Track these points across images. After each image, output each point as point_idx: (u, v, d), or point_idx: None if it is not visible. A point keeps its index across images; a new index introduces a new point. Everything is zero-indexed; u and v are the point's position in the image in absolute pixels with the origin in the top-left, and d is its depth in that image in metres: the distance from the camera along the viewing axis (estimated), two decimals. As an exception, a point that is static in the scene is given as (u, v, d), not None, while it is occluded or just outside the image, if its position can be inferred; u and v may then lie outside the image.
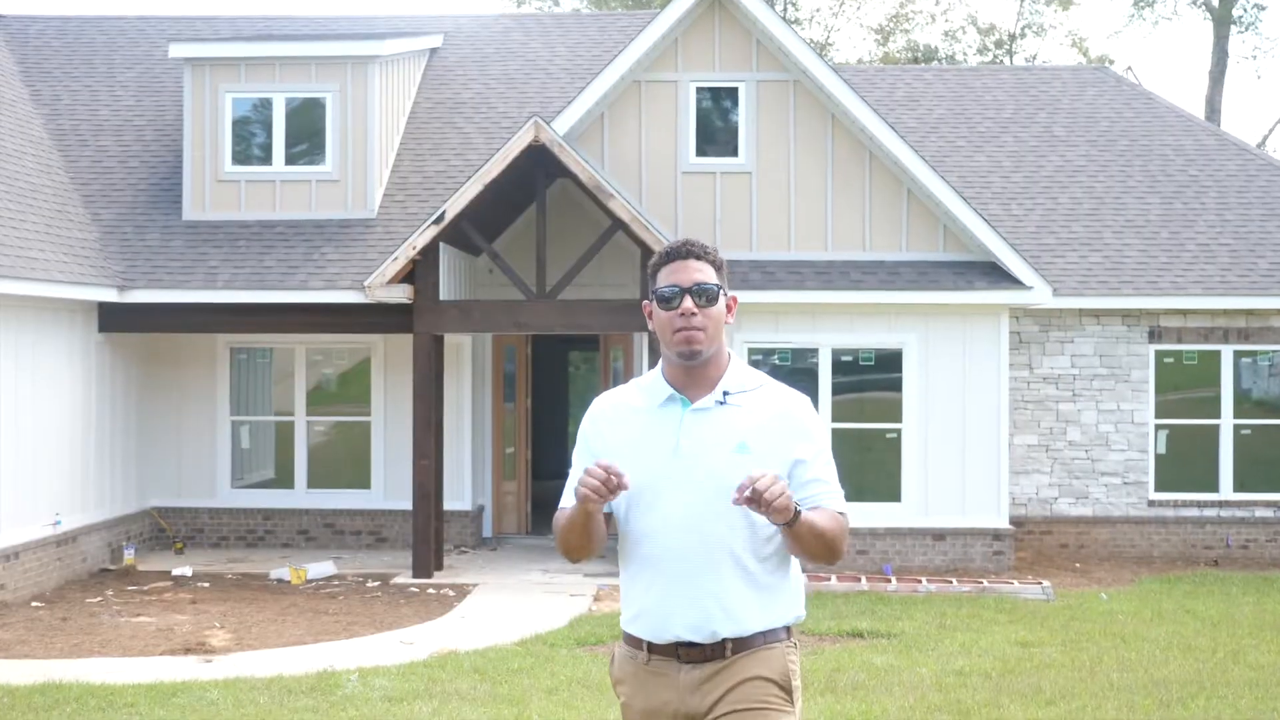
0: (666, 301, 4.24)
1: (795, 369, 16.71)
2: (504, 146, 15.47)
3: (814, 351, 16.66)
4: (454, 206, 15.36)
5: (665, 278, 4.26)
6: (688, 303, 4.19)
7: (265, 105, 17.72)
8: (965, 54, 44.91)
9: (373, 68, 17.71)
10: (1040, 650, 11.87)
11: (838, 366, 16.65)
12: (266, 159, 17.72)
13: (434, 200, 17.61)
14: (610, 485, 4.00)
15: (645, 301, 4.33)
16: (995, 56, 44.54)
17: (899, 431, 16.54)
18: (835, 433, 16.50)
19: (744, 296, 16.14)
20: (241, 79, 17.71)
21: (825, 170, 16.81)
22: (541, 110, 18.31)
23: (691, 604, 4.19)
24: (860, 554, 16.46)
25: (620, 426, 4.33)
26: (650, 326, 4.33)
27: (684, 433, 4.22)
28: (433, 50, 20.96)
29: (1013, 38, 44.94)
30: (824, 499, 4.24)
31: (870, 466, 16.67)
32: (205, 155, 17.66)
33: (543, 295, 15.79)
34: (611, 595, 14.85)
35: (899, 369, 16.59)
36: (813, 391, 16.56)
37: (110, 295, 16.08)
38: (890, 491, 16.57)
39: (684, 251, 4.27)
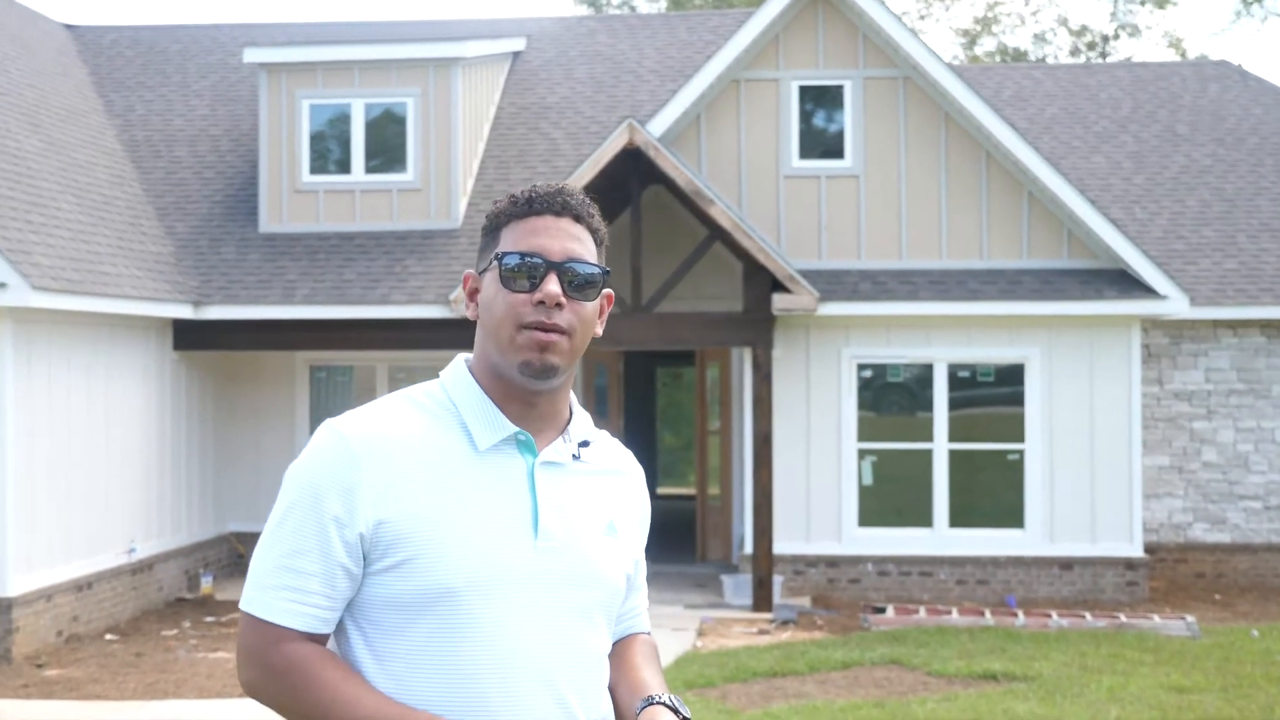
0: (515, 277, 2.60)
1: (908, 386, 15.68)
2: (596, 151, 14.56)
3: (928, 367, 15.61)
4: (545, 215, 14.43)
5: (519, 239, 2.63)
6: (553, 285, 2.58)
7: (344, 111, 16.91)
8: (1056, 56, 43.69)
9: (456, 70, 16.85)
10: (1199, 697, 10.76)
11: (954, 382, 15.59)
12: (345, 168, 16.90)
13: (522, 209, 16.71)
14: None
15: (469, 272, 2.73)
16: (1088, 59, 43.27)
17: (1021, 452, 15.44)
18: (952, 454, 15.45)
19: (853, 308, 15.15)
20: (319, 84, 16.91)
21: (938, 172, 15.76)
22: (631, 114, 17.37)
23: None
24: (980, 584, 15.38)
25: (411, 477, 2.55)
26: (470, 311, 2.71)
27: (543, 501, 2.61)
28: (516, 54, 20.10)
29: (1106, 39, 43.65)
30: (642, 617, 2.92)
31: (989, 490, 15.60)
32: (282, 165, 16.87)
33: (638, 309, 14.86)
34: (716, 630, 13.87)
35: (1020, 384, 15.50)
36: (927, 409, 15.54)
37: (185, 311, 15.31)
38: (1012, 517, 15.47)
39: (558, 203, 2.66)
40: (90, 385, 13.90)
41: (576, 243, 2.64)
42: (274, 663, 2.51)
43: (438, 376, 2.72)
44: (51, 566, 13.14)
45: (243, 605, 2.58)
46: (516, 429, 2.61)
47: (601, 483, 2.73)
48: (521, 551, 2.56)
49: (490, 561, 2.52)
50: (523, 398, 2.63)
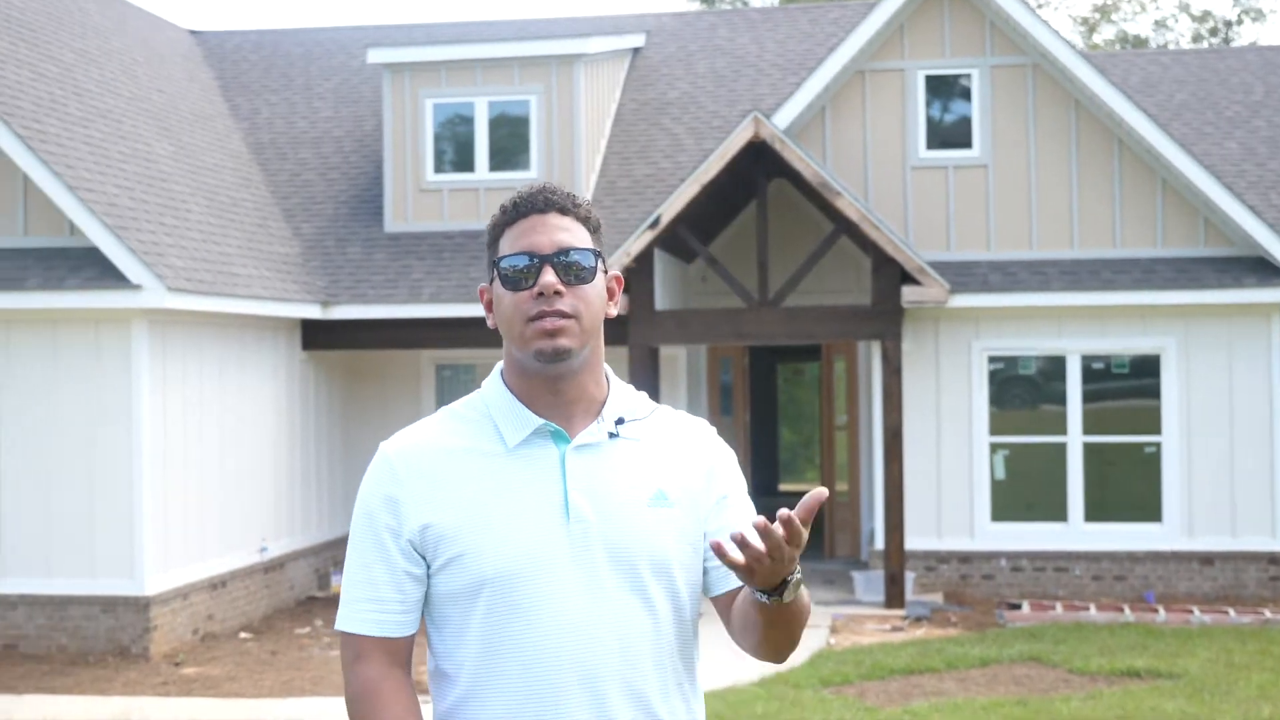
0: (516, 277, 2.74)
1: (1039, 378, 15.40)
2: (722, 145, 14.45)
3: (1060, 359, 15.31)
4: (669, 210, 14.37)
5: (513, 242, 2.76)
6: (549, 276, 2.71)
7: (467, 110, 16.94)
8: (1178, 42, 42.90)
9: (578, 67, 16.83)
10: (1356, 694, 10.44)
11: (1087, 374, 15.28)
12: (469, 166, 16.94)
13: (643, 205, 16.67)
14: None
15: (482, 285, 2.86)
16: (1211, 45, 42.42)
17: (1157, 445, 15.10)
18: (1086, 447, 15.16)
19: (983, 300, 14.91)
20: (442, 83, 16.96)
21: (1068, 160, 15.46)
22: (754, 108, 17.23)
23: None
24: (1118, 580, 15.07)
25: (447, 481, 2.74)
26: (490, 321, 2.87)
27: (572, 484, 2.74)
28: (635, 50, 20.04)
29: (1229, 24, 42.77)
30: None
31: (1125, 483, 15.27)
32: (406, 164, 16.95)
33: (765, 303, 14.71)
34: (849, 627, 13.71)
35: (1155, 376, 15.16)
36: (1060, 402, 15.25)
37: (314, 311, 15.42)
38: (1149, 511, 15.13)
39: (541, 201, 2.78)
40: (222, 385, 14.04)
41: (565, 233, 2.76)
42: (350, 683, 2.76)
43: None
44: (187, 565, 13.29)
45: (337, 625, 2.82)
46: (543, 421, 2.76)
47: (649, 455, 2.81)
48: (556, 535, 2.70)
49: (525, 549, 2.69)
50: (549, 386, 2.77)
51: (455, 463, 2.77)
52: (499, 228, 2.82)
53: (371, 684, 2.74)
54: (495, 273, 2.80)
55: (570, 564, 2.70)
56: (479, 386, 2.92)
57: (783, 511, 2.48)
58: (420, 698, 2.77)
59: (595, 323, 2.78)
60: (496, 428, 2.80)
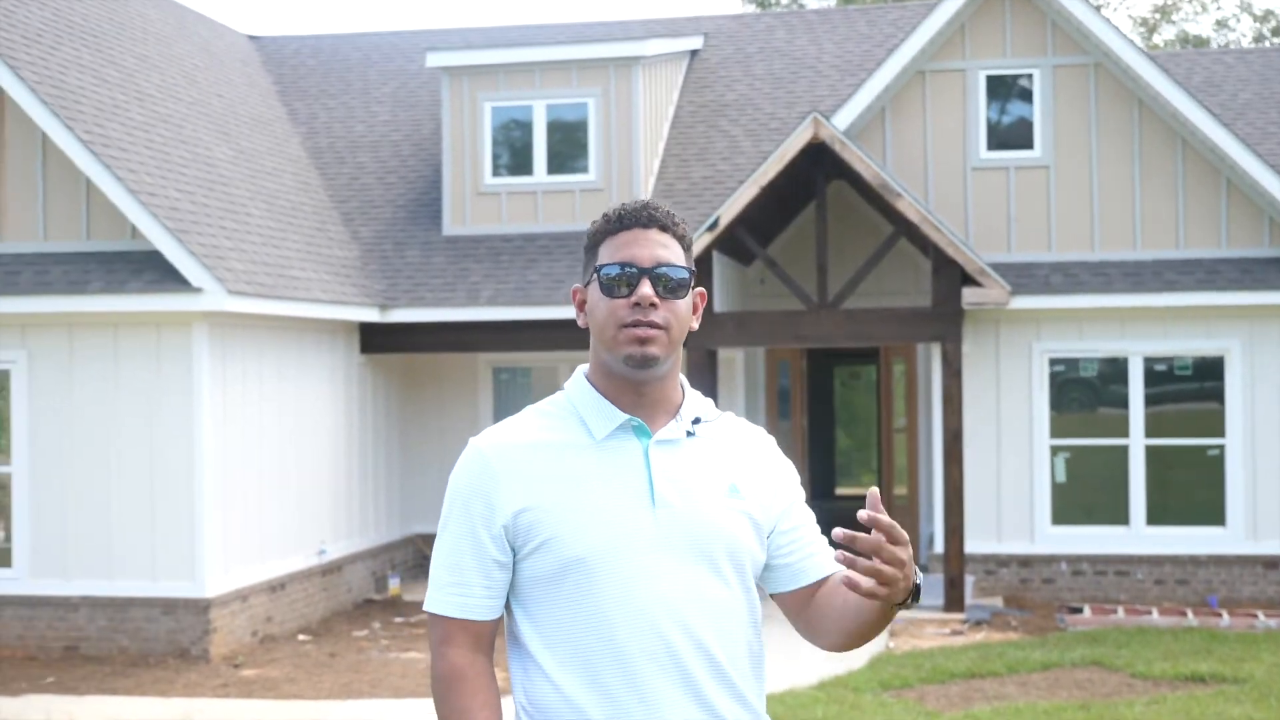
0: (614, 285, 2.94)
1: (1101, 380, 15.25)
2: (780, 146, 14.38)
3: (1123, 361, 15.16)
4: (728, 212, 14.32)
5: (614, 251, 2.96)
6: (646, 288, 2.91)
7: (525, 113, 16.95)
8: (1239, 42, 42.46)
9: (636, 69, 16.81)
10: None
11: (1149, 376, 15.12)
12: (527, 169, 16.94)
13: (702, 207, 16.63)
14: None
15: (575, 286, 3.07)
16: (1273, 45, 41.94)
17: (1221, 448, 14.92)
18: (1149, 450, 15.00)
19: (1045, 301, 14.79)
20: (500, 87, 16.98)
21: (1131, 161, 15.31)
22: (813, 110, 17.16)
23: None
24: (1180, 584, 14.90)
25: (540, 471, 2.93)
26: (581, 321, 3.06)
27: (657, 473, 2.95)
28: (693, 52, 20.01)
29: (1292, 23, 42.27)
30: (825, 558, 3.12)
31: (1187, 486, 15.10)
32: (465, 167, 16.98)
33: (824, 305, 14.64)
34: (908, 630, 13.61)
35: (1218, 378, 14.98)
36: (1122, 404, 15.10)
37: (372, 315, 15.47)
38: (1212, 514, 14.95)
39: (644, 216, 2.98)
40: (281, 388, 14.10)
41: (664, 249, 2.96)
42: (437, 665, 2.96)
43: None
44: (246, 566, 13.34)
45: (425, 606, 3.02)
46: (628, 416, 2.97)
47: (721, 453, 3.03)
48: (643, 519, 2.90)
49: (615, 531, 2.88)
50: (633, 389, 2.97)
51: (545, 455, 2.95)
52: (600, 235, 3.00)
53: (458, 669, 2.94)
54: (594, 278, 2.98)
55: (656, 547, 2.90)
56: (550, 388, 3.06)
57: (861, 514, 2.71)
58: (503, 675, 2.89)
59: (682, 334, 2.99)
60: (583, 422, 2.99)
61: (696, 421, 3.03)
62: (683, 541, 2.92)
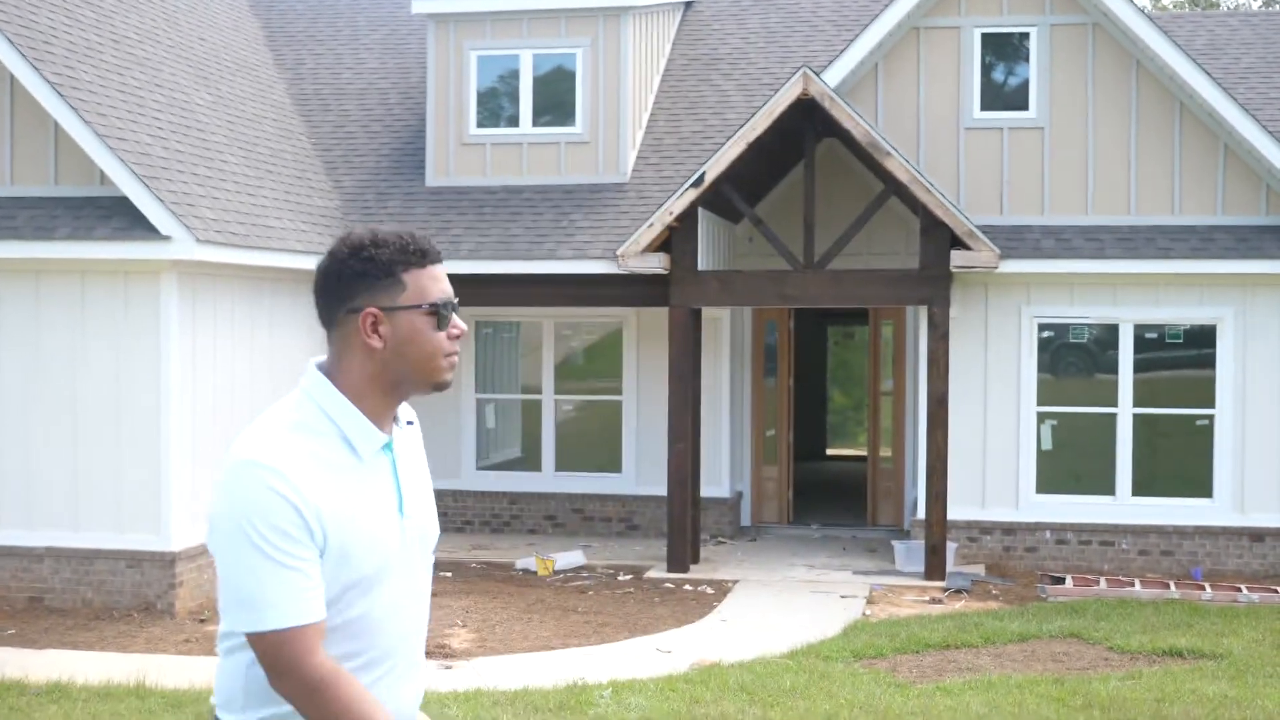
0: (446, 319, 3.06)
1: (1091, 347, 14.99)
2: (769, 101, 14.08)
3: (1113, 328, 14.89)
4: (714, 168, 14.04)
5: (434, 284, 3.06)
6: (462, 323, 3.12)
7: (512, 63, 16.64)
8: (1249, 5, 41.98)
9: (625, 20, 16.48)
10: (1407, 683, 10.05)
11: (1139, 344, 14.86)
12: (513, 120, 16.64)
13: (690, 163, 16.34)
14: None
15: (368, 310, 3.00)
16: (1283, 7, 41.45)
17: (1210, 418, 14.68)
18: (1136, 419, 14.76)
19: (1035, 265, 14.52)
20: (487, 35, 16.66)
21: (1128, 124, 15.00)
22: (805, 65, 16.84)
23: (414, 708, 3.22)
24: (1165, 555, 14.69)
25: (328, 488, 2.96)
26: (375, 342, 3.02)
27: (403, 486, 3.14)
28: (687, 3, 19.65)
29: (1302, -13, 41.75)
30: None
31: (1174, 456, 14.87)
32: (449, 117, 16.68)
33: (811, 265, 14.38)
34: (887, 598, 13.41)
35: (1210, 347, 14.72)
36: (1111, 372, 14.84)
37: (350, 266, 15.16)
38: (1199, 485, 14.73)
39: (435, 252, 3.12)
40: (254, 340, 13.85)
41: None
42: (307, 676, 2.87)
43: (299, 386, 3.10)
44: (216, 520, 13.09)
45: (256, 627, 2.87)
46: (388, 438, 3.08)
47: (416, 441, 3.25)
48: (397, 533, 3.06)
49: (386, 550, 3.02)
50: (395, 405, 3.10)
51: (327, 473, 2.96)
52: (404, 263, 3.02)
53: (330, 670, 2.90)
54: (418, 309, 3.02)
55: (407, 558, 3.11)
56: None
57: None
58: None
59: None
60: (347, 441, 3.02)
61: (410, 423, 3.23)
62: (417, 546, 3.14)
